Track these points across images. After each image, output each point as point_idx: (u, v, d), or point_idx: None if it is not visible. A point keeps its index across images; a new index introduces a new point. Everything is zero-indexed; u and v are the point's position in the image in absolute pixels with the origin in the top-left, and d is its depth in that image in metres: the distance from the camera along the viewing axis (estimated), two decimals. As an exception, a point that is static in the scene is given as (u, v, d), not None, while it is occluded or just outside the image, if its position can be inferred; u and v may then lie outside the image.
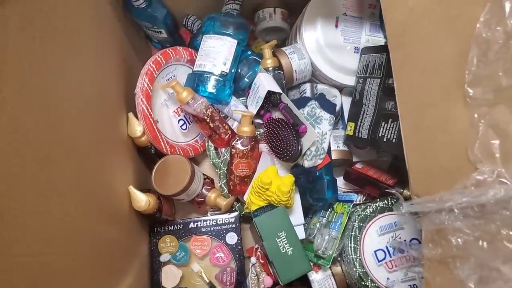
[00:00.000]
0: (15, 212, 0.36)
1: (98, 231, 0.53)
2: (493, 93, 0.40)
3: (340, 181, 0.75)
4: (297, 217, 0.67)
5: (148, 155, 0.72)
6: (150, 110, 0.66)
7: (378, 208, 0.63)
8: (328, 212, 0.68)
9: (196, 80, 0.70)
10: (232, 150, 0.68)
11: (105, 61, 0.62)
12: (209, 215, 0.74)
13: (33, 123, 0.40)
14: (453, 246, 0.42)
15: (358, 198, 0.73)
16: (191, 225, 0.72)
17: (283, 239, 0.60)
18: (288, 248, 0.60)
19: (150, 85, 0.66)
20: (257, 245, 0.71)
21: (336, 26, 0.74)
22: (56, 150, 0.44)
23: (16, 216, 0.36)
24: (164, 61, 0.69)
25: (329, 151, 0.67)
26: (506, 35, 0.38)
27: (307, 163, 0.64)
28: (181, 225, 0.72)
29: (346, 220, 0.63)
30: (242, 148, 0.67)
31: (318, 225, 0.67)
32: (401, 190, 0.63)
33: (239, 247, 0.71)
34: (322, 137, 0.65)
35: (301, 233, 0.67)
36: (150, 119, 0.66)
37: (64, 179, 0.45)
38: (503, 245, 0.38)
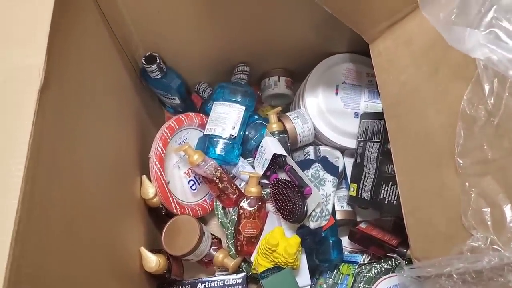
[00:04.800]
0: (44, 280, 0.38)
1: None
2: (480, 164, 0.44)
3: (345, 241, 0.76)
4: (303, 278, 0.68)
5: (159, 215, 0.75)
6: (162, 173, 0.70)
7: (383, 269, 0.64)
8: (334, 273, 0.69)
9: (207, 143, 0.75)
10: (240, 210, 0.71)
11: (122, 128, 0.68)
12: (216, 275, 0.75)
13: (61, 196, 0.44)
14: (454, 311, 0.44)
15: (364, 257, 0.74)
16: (199, 285, 0.73)
17: (289, 301, 0.61)
18: (294, 310, 0.60)
19: (163, 149, 0.71)
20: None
21: (336, 93, 0.79)
22: (79, 218, 0.47)
23: (43, 284, 0.38)
24: (177, 127, 0.74)
25: (333, 212, 0.70)
26: (488, 112, 0.43)
27: (312, 224, 0.66)
28: (189, 285, 0.73)
29: (352, 282, 0.64)
30: (249, 208, 0.70)
31: (324, 286, 0.68)
32: (405, 250, 0.64)
33: (246, 308, 0.71)
34: (326, 199, 0.68)
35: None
36: (162, 181, 0.70)
37: (84, 245, 0.48)
38: (501, 311, 0.39)
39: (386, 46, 0.59)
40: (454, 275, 0.44)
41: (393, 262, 0.65)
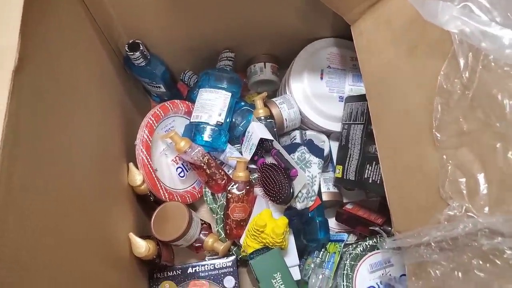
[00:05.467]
0: (37, 263, 0.39)
1: (101, 278, 0.55)
2: (457, 137, 0.45)
3: (332, 222, 0.78)
4: (292, 258, 0.70)
5: (147, 202, 0.75)
6: (149, 160, 0.71)
7: (368, 246, 0.66)
8: (322, 252, 0.70)
9: (193, 130, 0.76)
10: (228, 195, 0.72)
11: (107, 116, 0.68)
12: (206, 259, 0.76)
13: (48, 180, 0.44)
14: (432, 277, 0.45)
15: (350, 238, 0.75)
16: (190, 270, 0.74)
17: (278, 280, 0.62)
18: (283, 289, 0.62)
19: (149, 137, 0.71)
20: (254, 288, 0.73)
21: (321, 78, 0.80)
22: (69, 203, 0.48)
23: (38, 266, 0.39)
24: (163, 114, 0.75)
25: (319, 193, 0.71)
26: (463, 86, 0.44)
27: (299, 205, 0.67)
28: (180, 270, 0.74)
29: (338, 259, 0.65)
30: (237, 192, 0.71)
31: (312, 265, 0.69)
32: (389, 228, 0.66)
33: (237, 290, 0.73)
34: (312, 180, 0.69)
35: (296, 274, 0.69)
36: (150, 168, 0.71)
37: (75, 230, 0.48)
38: (475, 274, 0.41)
39: (366, 27, 0.60)
40: (432, 244, 0.45)
41: (378, 240, 0.67)
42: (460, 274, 0.43)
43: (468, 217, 0.42)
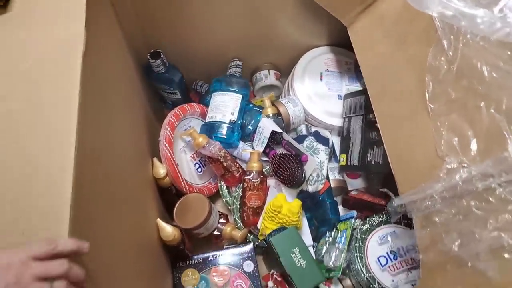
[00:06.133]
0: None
1: (135, 262, 0.60)
2: (447, 105, 0.54)
3: (340, 209, 0.85)
4: (306, 239, 0.76)
5: (170, 196, 0.81)
6: (172, 155, 0.78)
7: (376, 222, 0.73)
8: (333, 232, 0.77)
9: (209, 129, 0.83)
10: (244, 183, 0.79)
11: (136, 118, 0.75)
12: (225, 248, 0.82)
13: (106, 170, 0.52)
14: (438, 224, 0.52)
15: (357, 222, 0.82)
16: (210, 258, 0.79)
17: (297, 254, 0.68)
18: (302, 262, 0.68)
19: (172, 133, 0.79)
20: (272, 271, 0.78)
21: (321, 79, 0.90)
22: (116, 191, 0.55)
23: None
24: (182, 114, 0.82)
25: (328, 179, 0.79)
26: (448, 62, 0.53)
27: (310, 188, 0.75)
28: (201, 259, 0.79)
29: (350, 234, 0.72)
30: (253, 180, 0.78)
31: (326, 244, 0.75)
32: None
33: (256, 273, 0.78)
34: (321, 165, 0.77)
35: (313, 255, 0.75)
36: (173, 162, 0.77)
37: (120, 214, 0.55)
38: (473, 213, 0.48)
39: (362, 26, 0.70)
40: (435, 196, 0.53)
41: (384, 216, 0.74)
42: (461, 216, 0.50)
43: (463, 168, 0.50)
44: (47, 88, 0.46)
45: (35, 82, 0.46)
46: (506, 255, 0.44)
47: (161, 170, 0.77)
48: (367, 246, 0.70)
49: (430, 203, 0.54)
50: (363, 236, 0.71)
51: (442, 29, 0.54)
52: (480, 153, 0.49)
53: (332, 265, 0.69)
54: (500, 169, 0.46)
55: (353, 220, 0.73)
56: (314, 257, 0.75)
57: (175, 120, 0.80)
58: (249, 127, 0.88)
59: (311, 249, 0.75)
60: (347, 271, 0.72)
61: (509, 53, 0.45)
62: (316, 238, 0.81)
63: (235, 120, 0.84)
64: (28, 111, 0.45)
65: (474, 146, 0.50)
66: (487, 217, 0.47)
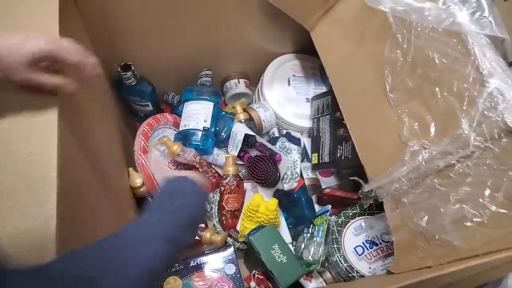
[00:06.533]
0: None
1: None
2: (405, 93, 0.58)
3: (316, 207, 0.87)
4: (285, 236, 0.77)
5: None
6: (148, 163, 0.78)
7: (350, 214, 0.75)
8: (311, 227, 0.79)
9: (183, 137, 0.84)
10: (221, 187, 0.80)
11: (109, 130, 0.76)
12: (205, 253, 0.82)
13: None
14: (406, 204, 0.56)
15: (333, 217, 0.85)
16: (192, 263, 0.79)
17: (277, 250, 0.70)
18: (282, 257, 0.69)
19: (146, 143, 0.79)
20: (253, 271, 0.79)
21: (289, 84, 0.94)
22: (98, 201, 0.56)
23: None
24: (155, 123, 0.83)
25: (302, 177, 0.81)
26: (403, 54, 0.58)
27: (286, 186, 0.77)
28: (182, 265, 0.79)
29: (326, 228, 0.74)
30: (230, 184, 0.79)
31: (304, 241, 0.77)
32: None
33: (238, 275, 0.78)
34: (294, 164, 0.79)
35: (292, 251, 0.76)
36: (148, 171, 0.78)
37: (102, 224, 0.56)
38: (436, 190, 0.52)
39: (323, 30, 0.75)
40: (402, 178, 0.56)
41: (357, 208, 0.77)
42: (426, 194, 0.54)
43: (424, 149, 0.54)
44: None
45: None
46: (468, 224, 0.48)
47: (137, 179, 0.77)
48: (343, 238, 0.72)
49: (397, 186, 0.57)
50: (339, 228, 0.73)
51: (395, 24, 0.58)
52: (438, 134, 0.53)
53: (311, 259, 0.71)
54: (457, 146, 0.50)
55: (328, 214, 0.76)
56: (294, 253, 0.77)
57: (149, 130, 0.81)
58: (223, 133, 0.90)
59: (290, 246, 0.77)
60: (326, 264, 0.74)
61: (455, 40, 0.50)
62: (295, 236, 0.83)
63: (209, 127, 0.86)
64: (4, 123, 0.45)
65: (433, 128, 0.54)
66: (449, 192, 0.51)
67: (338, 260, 0.70)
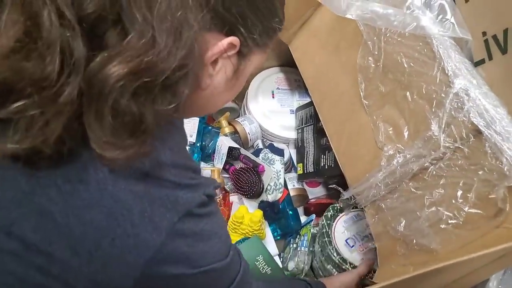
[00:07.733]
0: None
1: None
2: (379, 99, 0.59)
3: (303, 219, 0.87)
4: (271, 248, 0.77)
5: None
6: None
7: (338, 208, 0.74)
8: (296, 238, 0.78)
9: (168, 152, 0.85)
10: (206, 201, 0.80)
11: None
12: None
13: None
14: (385, 210, 0.56)
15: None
16: (178, 280, 0.78)
17: (261, 261, 0.69)
18: (267, 268, 0.69)
19: (130, 159, 0.80)
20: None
21: (273, 97, 0.95)
22: None
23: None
24: (140, 140, 0.84)
25: (286, 188, 0.81)
26: (375, 60, 0.59)
27: (270, 197, 0.77)
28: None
29: (310, 237, 0.73)
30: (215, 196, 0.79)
31: (290, 252, 0.77)
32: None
33: None
34: (278, 174, 0.79)
35: (277, 263, 0.75)
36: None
37: None
38: (412, 193, 0.52)
39: (300, 42, 0.76)
40: (379, 184, 0.56)
41: (336, 208, 0.75)
42: (403, 198, 0.54)
43: (399, 153, 0.54)
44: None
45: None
46: (443, 226, 0.47)
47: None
48: (334, 231, 0.71)
49: (375, 191, 0.57)
50: (328, 222, 0.72)
51: (366, 32, 0.59)
52: (411, 137, 0.53)
53: (296, 269, 0.70)
54: (429, 148, 0.50)
55: (312, 224, 0.75)
56: (281, 266, 0.76)
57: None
58: (208, 147, 0.91)
59: (277, 259, 0.76)
60: (313, 274, 0.73)
61: (421, 44, 0.51)
62: (284, 248, 0.82)
63: (194, 141, 0.86)
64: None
65: (406, 132, 0.54)
66: (424, 195, 0.51)
67: (330, 253, 0.68)
